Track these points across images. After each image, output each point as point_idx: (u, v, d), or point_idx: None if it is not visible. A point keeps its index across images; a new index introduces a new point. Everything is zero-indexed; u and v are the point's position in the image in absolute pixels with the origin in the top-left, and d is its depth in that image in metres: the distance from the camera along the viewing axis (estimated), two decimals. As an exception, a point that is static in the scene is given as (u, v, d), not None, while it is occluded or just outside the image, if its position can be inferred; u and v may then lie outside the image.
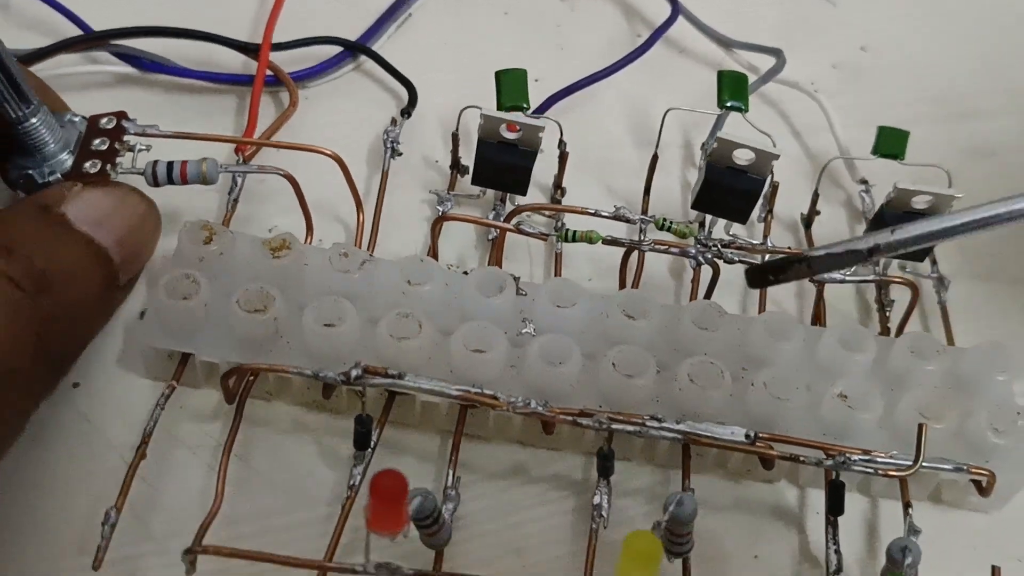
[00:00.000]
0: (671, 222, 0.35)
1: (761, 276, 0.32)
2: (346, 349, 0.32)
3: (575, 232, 0.34)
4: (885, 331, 0.37)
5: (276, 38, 0.41)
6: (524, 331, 0.33)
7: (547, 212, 0.38)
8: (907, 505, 0.32)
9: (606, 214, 0.35)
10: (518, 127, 0.36)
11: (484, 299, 0.33)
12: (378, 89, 0.43)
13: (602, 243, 0.34)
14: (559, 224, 0.37)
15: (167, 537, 0.30)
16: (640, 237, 0.35)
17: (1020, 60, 0.48)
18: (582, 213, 0.35)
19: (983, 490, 0.32)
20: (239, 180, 0.37)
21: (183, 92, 0.42)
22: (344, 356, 0.31)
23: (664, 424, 0.31)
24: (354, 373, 0.30)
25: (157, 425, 0.31)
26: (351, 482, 0.31)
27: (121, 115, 0.35)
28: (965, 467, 0.32)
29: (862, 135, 0.39)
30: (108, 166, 0.34)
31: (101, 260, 0.32)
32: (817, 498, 0.33)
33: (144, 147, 0.35)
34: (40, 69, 0.39)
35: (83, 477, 0.31)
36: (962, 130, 0.45)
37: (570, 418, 0.30)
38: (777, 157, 0.36)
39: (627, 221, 0.36)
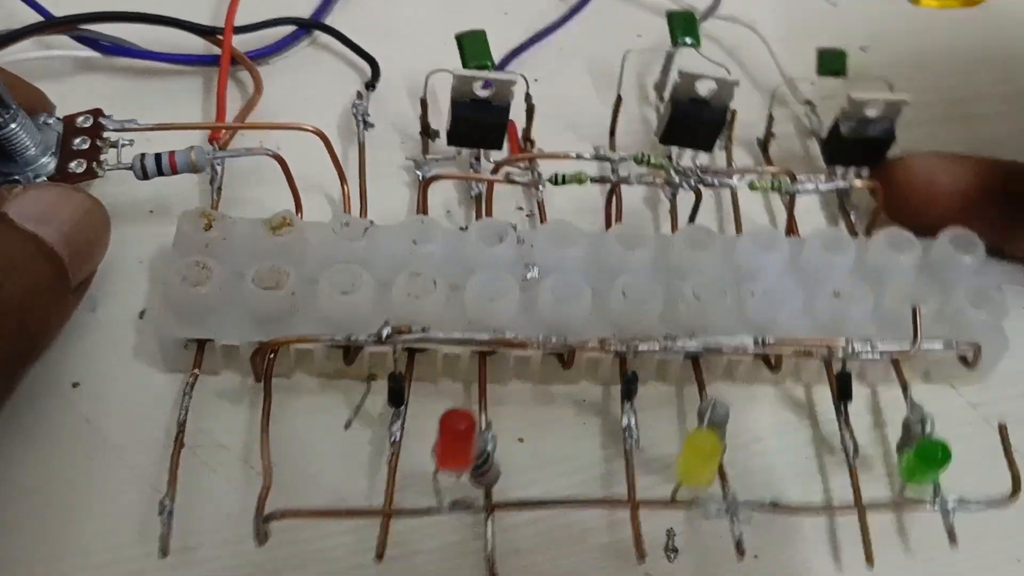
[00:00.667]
0: (648, 156, 0.37)
1: None
2: (363, 314, 0.33)
3: (564, 175, 0.36)
4: (854, 235, 0.39)
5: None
6: (529, 276, 0.34)
7: (525, 163, 0.39)
8: (905, 386, 0.35)
9: (587, 156, 0.37)
10: (490, 83, 0.37)
11: (487, 249, 0.34)
12: (339, 63, 0.43)
13: (590, 182, 0.36)
14: (537, 174, 0.38)
15: (219, 521, 0.31)
16: (627, 173, 0.37)
17: (1021, 61, 0.49)
18: (565, 158, 0.37)
19: (969, 363, 0.35)
20: (219, 167, 0.37)
21: (145, 76, 0.42)
22: (362, 321, 0.32)
23: (677, 341, 0.33)
24: (385, 332, 0.31)
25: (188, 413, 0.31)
26: (391, 439, 0.31)
27: (97, 112, 0.35)
28: (954, 343, 0.34)
29: None
30: (94, 164, 0.34)
31: (47, 255, 0.31)
32: (821, 394, 0.36)
33: (127, 142, 0.35)
34: (0, 56, 0.39)
35: (83, 478, 0.31)
36: (962, 131, 0.45)
37: (598, 346, 0.32)
38: (737, 84, 0.38)
39: (608, 160, 0.37)
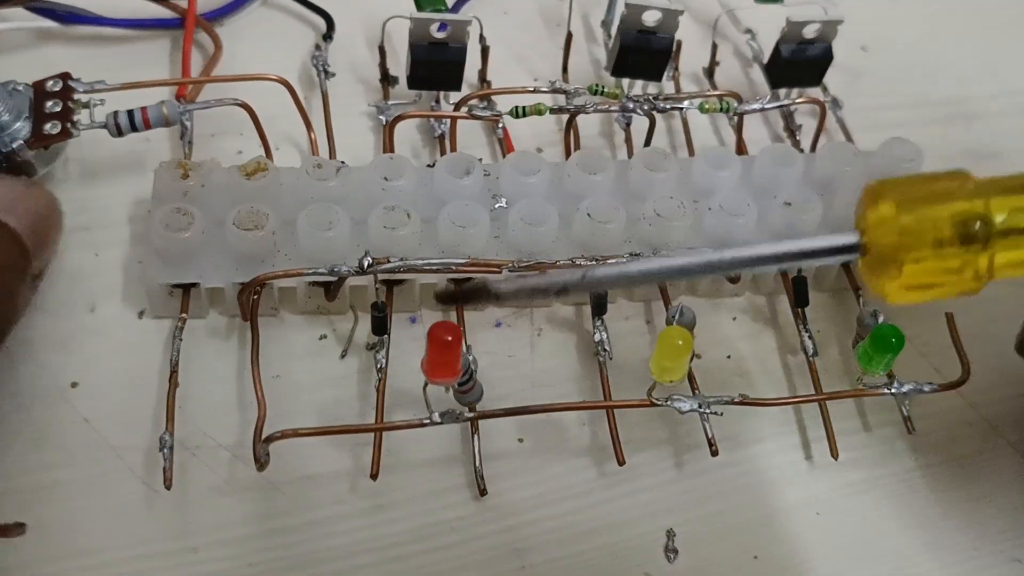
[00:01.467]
0: (602, 87, 0.39)
1: (451, 298, 0.34)
2: (342, 249, 0.34)
3: (524, 108, 0.37)
4: (800, 152, 0.41)
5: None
6: (497, 206, 0.36)
7: (487, 97, 0.40)
8: (857, 288, 0.37)
9: (545, 89, 0.38)
10: (446, 25, 0.38)
11: (456, 182, 0.36)
12: (293, 20, 0.44)
13: (550, 113, 0.37)
14: (496, 110, 0.40)
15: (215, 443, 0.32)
16: (583, 103, 0.38)
17: (1021, 61, 0.49)
18: (523, 92, 0.38)
19: (914, 263, 0.37)
20: (188, 122, 0.38)
21: (104, 43, 0.42)
22: (341, 256, 0.34)
23: (643, 257, 0.34)
24: (366, 262, 0.32)
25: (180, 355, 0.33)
26: (378, 366, 0.33)
27: (65, 76, 0.36)
28: (899, 243, 0.36)
29: (864, 137, 0.42)
30: (68, 124, 0.35)
31: (14, 239, 0.31)
32: (780, 302, 0.38)
33: (99, 101, 0.36)
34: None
35: (81, 478, 0.32)
36: (963, 131, 0.46)
37: (569, 265, 0.33)
38: (682, 13, 0.39)
39: (564, 92, 0.39)
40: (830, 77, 0.42)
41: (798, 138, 0.42)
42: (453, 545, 0.32)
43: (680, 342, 0.29)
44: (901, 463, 0.35)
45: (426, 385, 0.29)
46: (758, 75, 0.44)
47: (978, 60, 0.49)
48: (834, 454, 0.34)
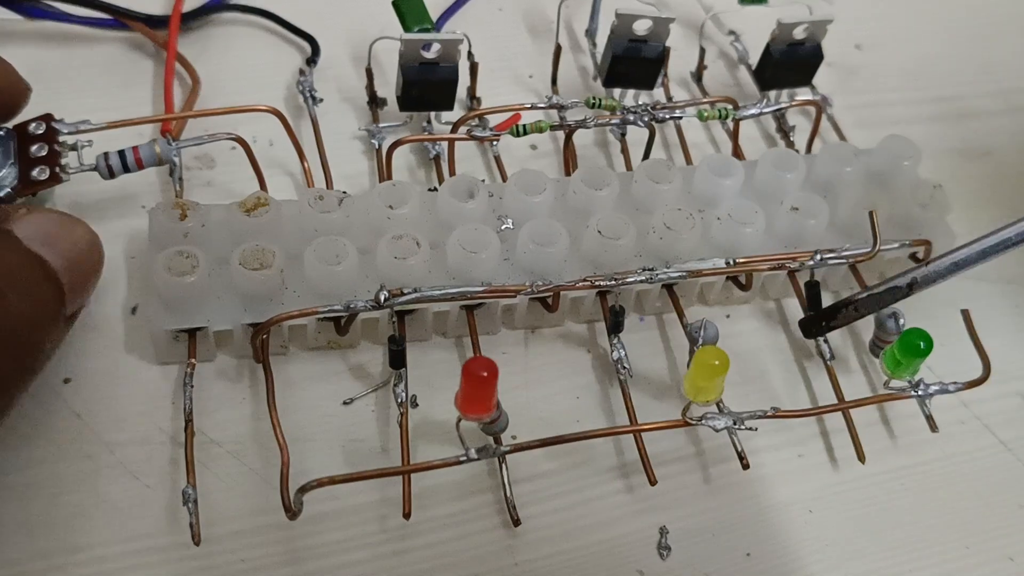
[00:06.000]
0: (599, 99, 0.38)
1: (816, 326, 0.35)
2: (351, 282, 0.33)
3: (525, 126, 0.36)
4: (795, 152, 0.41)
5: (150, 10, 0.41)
6: (504, 227, 0.35)
7: (475, 118, 0.40)
8: (867, 288, 0.37)
9: (542, 105, 0.38)
10: (429, 45, 0.37)
11: (461, 205, 0.35)
12: (272, 43, 0.43)
13: (550, 130, 0.37)
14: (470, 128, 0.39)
15: (239, 502, 0.31)
16: (581, 117, 0.38)
17: (1015, 59, 0.49)
18: (520, 109, 0.38)
19: (920, 260, 0.38)
20: (176, 157, 0.37)
21: (66, 43, 0.41)
22: (351, 289, 0.33)
23: (658, 272, 0.34)
24: (382, 296, 0.32)
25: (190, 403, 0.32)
26: (398, 400, 0.32)
27: (48, 118, 0.35)
28: (908, 242, 0.37)
29: (858, 135, 0.42)
30: (56, 169, 0.34)
31: (50, 278, 0.30)
32: (790, 306, 0.38)
33: (86, 143, 0.34)
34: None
35: (74, 474, 0.31)
36: (957, 129, 0.46)
37: (589, 284, 0.33)
38: (673, 20, 0.39)
39: (561, 107, 0.38)
40: (823, 75, 0.42)
41: (792, 139, 0.42)
42: (445, 541, 0.31)
43: (716, 362, 0.29)
44: (893, 461, 0.35)
45: (459, 421, 0.29)
46: (745, 76, 0.44)
47: (971, 58, 0.49)
48: (861, 458, 0.34)
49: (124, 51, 0.41)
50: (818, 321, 0.35)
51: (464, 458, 0.29)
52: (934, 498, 0.34)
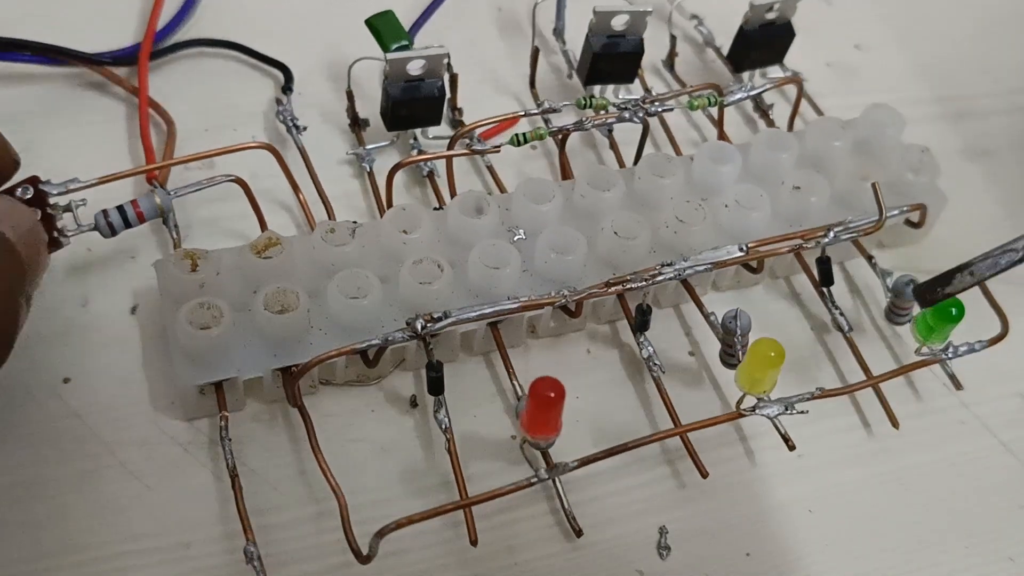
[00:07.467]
0: (589, 99, 0.38)
1: (932, 292, 0.34)
2: (376, 312, 0.32)
3: (524, 135, 0.36)
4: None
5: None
6: (516, 238, 0.35)
7: (469, 130, 0.39)
8: (870, 257, 0.38)
9: (535, 111, 0.38)
10: (423, 61, 0.37)
11: (471, 221, 0.35)
12: (246, 72, 0.42)
13: (549, 135, 0.37)
14: (469, 142, 0.38)
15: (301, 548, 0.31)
16: (581, 119, 0.38)
17: (1014, 59, 0.49)
18: (515, 117, 0.37)
19: (916, 224, 0.39)
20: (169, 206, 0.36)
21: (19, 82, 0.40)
22: (377, 320, 0.32)
23: (685, 266, 0.34)
24: (419, 324, 0.31)
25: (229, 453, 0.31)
26: (442, 427, 0.32)
27: (34, 181, 0.33)
28: (906, 207, 0.38)
29: (832, 103, 0.42)
30: (55, 233, 0.32)
31: (10, 251, 0.29)
32: (798, 283, 0.38)
33: (80, 202, 0.33)
34: None
35: (73, 473, 0.31)
36: (957, 129, 0.46)
37: (620, 288, 0.33)
38: (650, 13, 0.39)
39: (553, 112, 0.38)
40: (823, 75, 0.42)
41: (771, 117, 0.42)
42: (445, 542, 0.31)
43: (772, 354, 0.29)
44: (893, 461, 0.35)
45: (524, 442, 0.29)
46: (712, 58, 0.45)
47: (971, 58, 0.49)
48: (894, 423, 0.35)
49: (79, 90, 0.40)
50: (933, 287, 0.34)
51: (536, 479, 0.29)
52: (934, 498, 0.35)
